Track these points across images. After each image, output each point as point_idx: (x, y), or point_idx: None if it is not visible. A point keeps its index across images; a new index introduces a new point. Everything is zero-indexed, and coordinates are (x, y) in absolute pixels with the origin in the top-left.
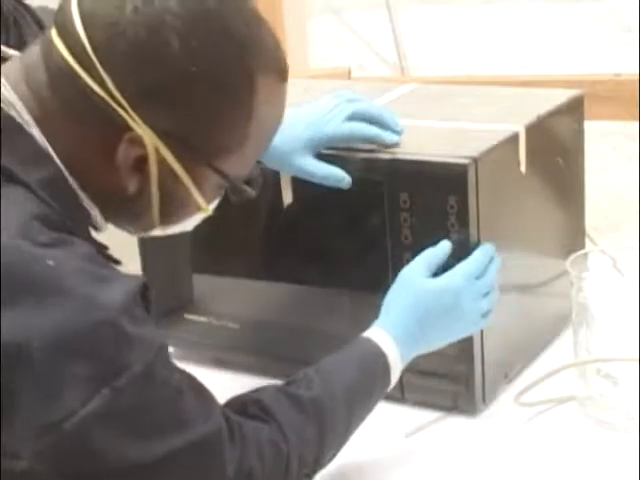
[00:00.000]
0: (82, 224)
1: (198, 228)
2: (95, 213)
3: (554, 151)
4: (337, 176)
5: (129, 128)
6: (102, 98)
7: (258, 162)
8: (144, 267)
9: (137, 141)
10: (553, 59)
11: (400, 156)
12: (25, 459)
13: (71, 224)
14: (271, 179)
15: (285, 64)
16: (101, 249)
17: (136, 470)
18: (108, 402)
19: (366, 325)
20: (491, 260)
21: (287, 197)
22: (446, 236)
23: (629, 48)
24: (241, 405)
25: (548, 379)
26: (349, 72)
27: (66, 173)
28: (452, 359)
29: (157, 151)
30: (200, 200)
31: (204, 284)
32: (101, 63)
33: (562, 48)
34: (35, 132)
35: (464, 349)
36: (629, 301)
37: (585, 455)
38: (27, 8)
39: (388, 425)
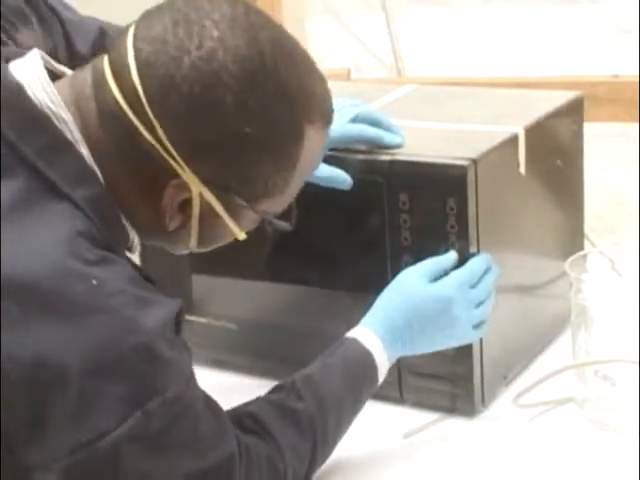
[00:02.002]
0: (122, 245)
1: None
2: (133, 236)
3: (553, 153)
4: (338, 177)
5: (176, 175)
6: (152, 145)
7: None
8: (143, 267)
9: (183, 187)
10: (552, 61)
11: (399, 157)
12: (55, 473)
13: (113, 244)
14: None
15: (331, 110)
16: (138, 270)
17: None
18: (139, 424)
19: None
20: (488, 270)
21: None
22: (445, 237)
23: (628, 49)
24: (237, 419)
25: (547, 381)
26: (348, 73)
27: (110, 195)
28: (451, 360)
29: (201, 195)
30: (237, 231)
31: (203, 285)
32: (154, 114)
33: (560, 50)
34: (84, 151)
35: (463, 350)
36: (628, 303)
37: (584, 456)
38: (61, 20)
39: (386, 426)
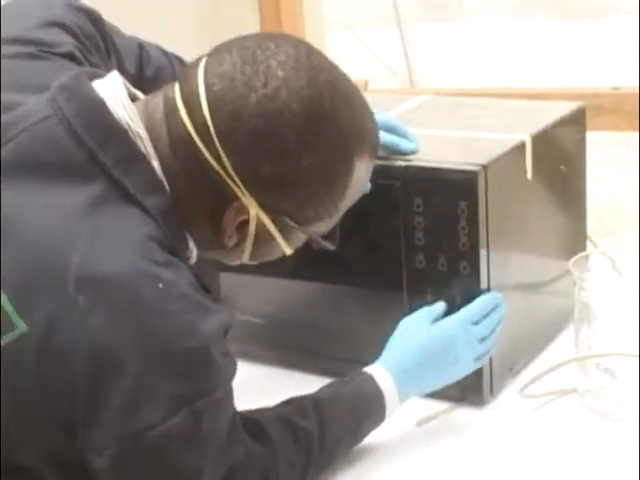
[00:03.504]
0: (183, 254)
1: None
2: (192, 247)
3: (558, 159)
4: None
5: (237, 198)
6: (217, 172)
7: None
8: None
9: (242, 209)
10: (557, 73)
11: (415, 163)
12: (105, 459)
13: (177, 251)
14: None
15: (378, 142)
16: (197, 278)
17: None
18: (184, 421)
19: (379, 322)
20: (495, 308)
21: None
22: (456, 238)
23: (628, 63)
24: (244, 422)
25: (551, 373)
26: (366, 84)
27: (175, 208)
28: None
29: (258, 217)
30: (286, 248)
31: (229, 281)
32: (221, 144)
33: (565, 63)
34: (155, 164)
35: None
36: (628, 300)
37: (585, 444)
38: (113, 42)
39: (401, 414)
